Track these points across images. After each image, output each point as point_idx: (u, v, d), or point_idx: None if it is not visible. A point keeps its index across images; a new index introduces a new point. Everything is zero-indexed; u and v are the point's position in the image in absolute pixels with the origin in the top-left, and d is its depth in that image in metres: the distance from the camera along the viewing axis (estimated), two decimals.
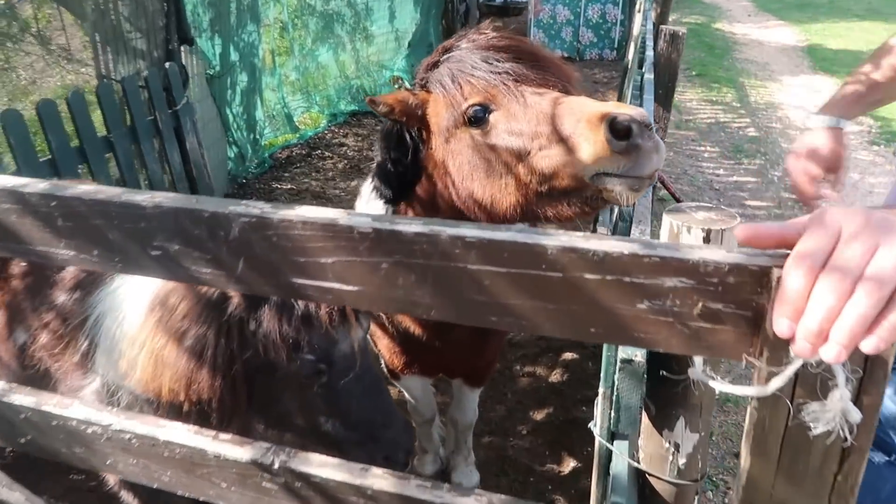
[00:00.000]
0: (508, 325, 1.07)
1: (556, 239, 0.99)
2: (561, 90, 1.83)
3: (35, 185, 1.28)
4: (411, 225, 1.06)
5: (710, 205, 1.32)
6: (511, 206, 1.81)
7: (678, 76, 4.75)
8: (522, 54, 1.88)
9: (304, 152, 7.86)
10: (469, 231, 1.03)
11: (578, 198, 1.70)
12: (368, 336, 2.67)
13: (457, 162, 1.89)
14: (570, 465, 3.50)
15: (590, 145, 1.57)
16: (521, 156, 1.73)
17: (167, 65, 4.77)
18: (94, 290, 2.09)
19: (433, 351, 2.55)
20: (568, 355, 4.33)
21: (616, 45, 12.44)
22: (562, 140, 1.65)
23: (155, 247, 1.23)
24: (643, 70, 3.98)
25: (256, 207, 1.15)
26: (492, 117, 1.80)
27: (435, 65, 1.99)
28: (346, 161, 7.64)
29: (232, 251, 1.18)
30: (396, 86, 2.19)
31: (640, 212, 1.86)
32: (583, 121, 1.61)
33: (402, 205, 2.22)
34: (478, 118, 1.81)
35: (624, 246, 0.96)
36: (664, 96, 4.13)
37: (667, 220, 1.26)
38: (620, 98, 5.12)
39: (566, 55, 12.60)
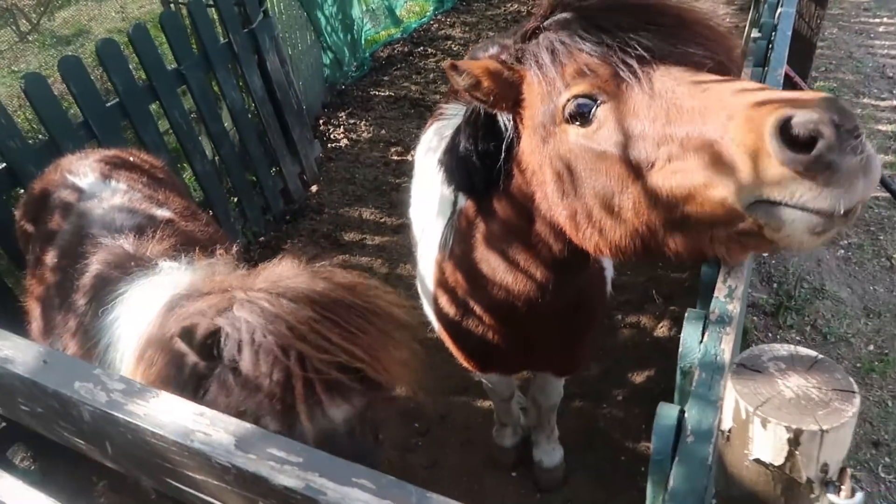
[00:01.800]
0: None
1: None
2: (714, 71, 1.26)
3: None
4: (281, 474, 0.69)
5: (812, 353, 0.82)
6: (627, 237, 1.33)
7: None
8: (661, 17, 1.31)
9: (406, 49, 7.33)
10: None
11: (726, 232, 1.18)
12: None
13: (555, 170, 1.43)
14: None
15: (748, 158, 1.05)
16: (641, 168, 1.24)
17: None
18: (104, 308, 1.91)
19: (514, 354, 2.20)
20: (678, 306, 3.81)
21: None
22: (704, 148, 1.14)
23: (22, 403, 0.95)
24: None
25: (104, 392, 0.82)
26: (600, 112, 1.29)
27: (535, 32, 1.44)
28: (450, 58, 7.04)
29: (93, 433, 0.87)
30: None
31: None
32: (739, 119, 1.08)
33: (482, 200, 1.79)
34: (581, 113, 1.31)
35: None
36: None
37: (732, 393, 0.78)
38: None
39: None
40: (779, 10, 2.60)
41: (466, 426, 3.35)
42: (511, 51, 1.51)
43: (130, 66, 3.78)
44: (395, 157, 5.50)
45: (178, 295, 1.57)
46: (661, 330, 3.71)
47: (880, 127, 5.20)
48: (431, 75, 6.75)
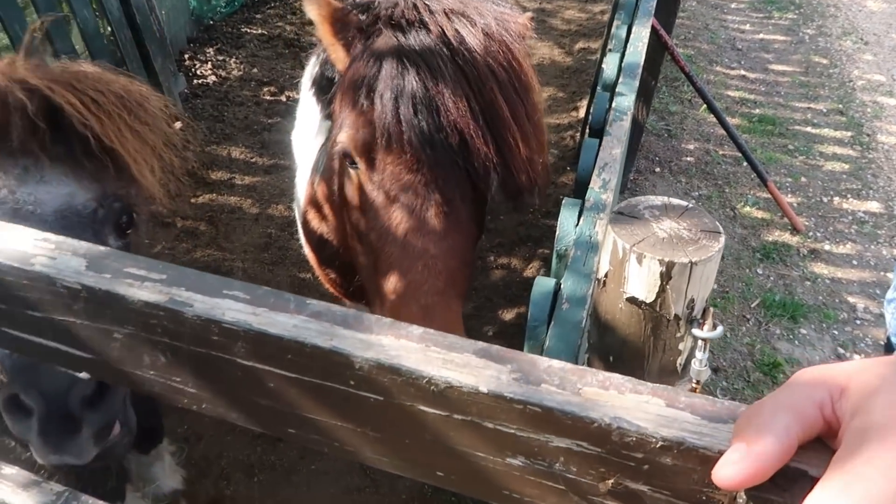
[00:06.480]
0: (315, 443, 0.67)
1: (370, 346, 0.56)
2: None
3: None
4: (142, 289, 0.62)
5: (683, 203, 0.86)
6: None
7: None
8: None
9: None
10: (232, 313, 0.60)
11: None
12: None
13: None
14: None
15: None
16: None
17: None
18: None
19: None
20: (547, 248, 3.95)
21: None
22: None
23: None
24: None
25: None
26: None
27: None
28: None
29: None
30: None
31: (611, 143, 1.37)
32: None
33: None
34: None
35: (482, 378, 0.53)
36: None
37: (610, 236, 0.81)
38: None
39: None
40: None
41: None
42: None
43: None
44: (268, 97, 5.26)
45: None
46: (531, 270, 3.84)
47: (729, 93, 5.63)
48: (308, 16, 6.48)
